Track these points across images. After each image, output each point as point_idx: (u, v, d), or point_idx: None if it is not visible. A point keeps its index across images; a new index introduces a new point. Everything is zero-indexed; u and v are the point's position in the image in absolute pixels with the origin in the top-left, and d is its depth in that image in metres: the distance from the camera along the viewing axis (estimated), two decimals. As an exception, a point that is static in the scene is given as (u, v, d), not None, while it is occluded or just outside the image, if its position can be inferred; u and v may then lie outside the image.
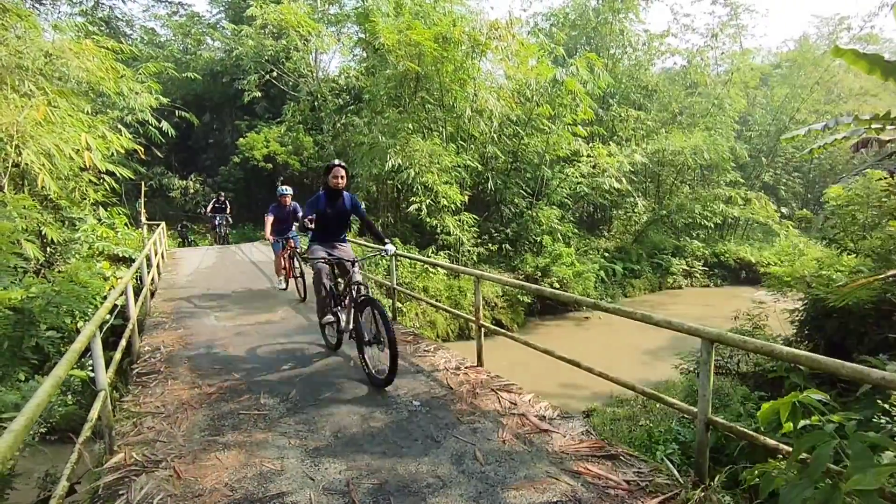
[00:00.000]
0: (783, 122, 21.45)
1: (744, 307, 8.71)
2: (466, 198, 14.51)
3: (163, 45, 23.16)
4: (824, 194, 8.22)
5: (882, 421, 3.56)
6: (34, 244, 9.23)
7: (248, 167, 19.64)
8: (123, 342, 4.47)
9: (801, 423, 2.15)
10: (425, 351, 5.24)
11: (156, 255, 9.94)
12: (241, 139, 19.85)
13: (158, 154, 18.09)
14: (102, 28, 19.50)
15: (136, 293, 7.29)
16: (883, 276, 5.07)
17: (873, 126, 7.44)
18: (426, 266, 13.10)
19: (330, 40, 19.11)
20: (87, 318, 4.11)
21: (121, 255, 10.95)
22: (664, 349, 11.12)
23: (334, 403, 3.99)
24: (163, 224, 14.05)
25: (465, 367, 4.67)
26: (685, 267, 19.54)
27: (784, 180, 24.50)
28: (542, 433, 3.40)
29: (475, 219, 14.87)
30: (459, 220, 14.16)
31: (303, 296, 7.97)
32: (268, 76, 19.10)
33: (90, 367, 4.41)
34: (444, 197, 13.44)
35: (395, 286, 6.93)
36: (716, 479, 2.70)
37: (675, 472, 2.83)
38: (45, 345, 3.90)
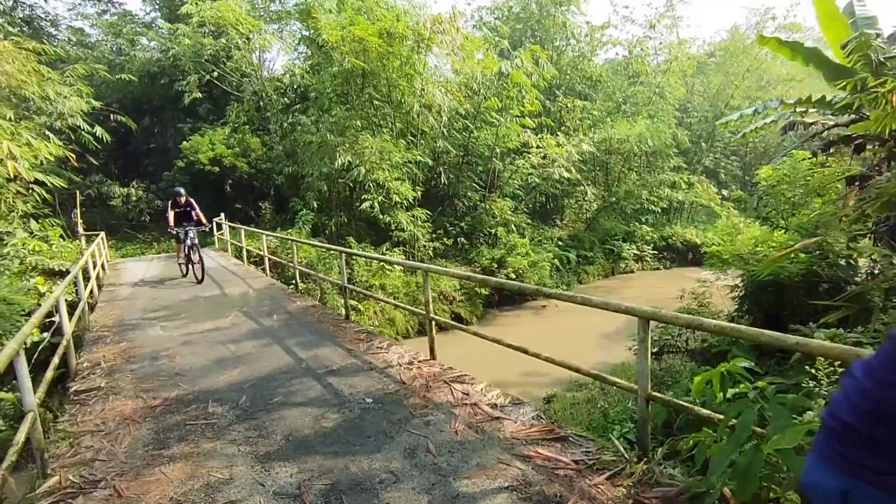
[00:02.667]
0: (719, 108, 22.42)
1: (690, 287, 9.08)
2: (419, 193, 14.48)
3: (93, 46, 21.98)
4: (756, 175, 8.65)
5: (810, 385, 3.80)
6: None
7: (193, 171, 18.90)
8: (56, 359, 4.23)
9: (731, 391, 2.26)
10: (378, 348, 5.21)
11: (94, 266, 9.45)
12: (184, 143, 19.06)
13: (94, 161, 17.18)
14: (24, 29, 18.33)
15: (73, 307, 6.93)
16: (806, 243, 5.38)
17: (798, 110, 7.91)
18: (382, 264, 13.01)
19: (272, 38, 18.57)
20: (12, 336, 3.85)
21: (56, 269, 10.36)
22: (620, 332, 11.44)
23: (286, 406, 3.92)
24: (102, 234, 13.38)
25: (419, 362, 4.68)
26: (636, 251, 20.19)
27: (723, 164, 25.64)
28: (494, 421, 3.44)
29: (429, 214, 14.87)
30: (413, 216, 14.13)
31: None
32: (209, 76, 18.40)
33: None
34: (396, 193, 13.37)
35: (345, 285, 6.84)
36: (658, 451, 2.81)
37: (621, 449, 2.92)
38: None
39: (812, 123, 8.45)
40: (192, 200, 10.36)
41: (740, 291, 7.46)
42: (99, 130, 14.64)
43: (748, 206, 12.60)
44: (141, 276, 11.50)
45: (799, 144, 9.45)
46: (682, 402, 2.62)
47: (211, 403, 4.05)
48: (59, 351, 4.52)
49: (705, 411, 2.48)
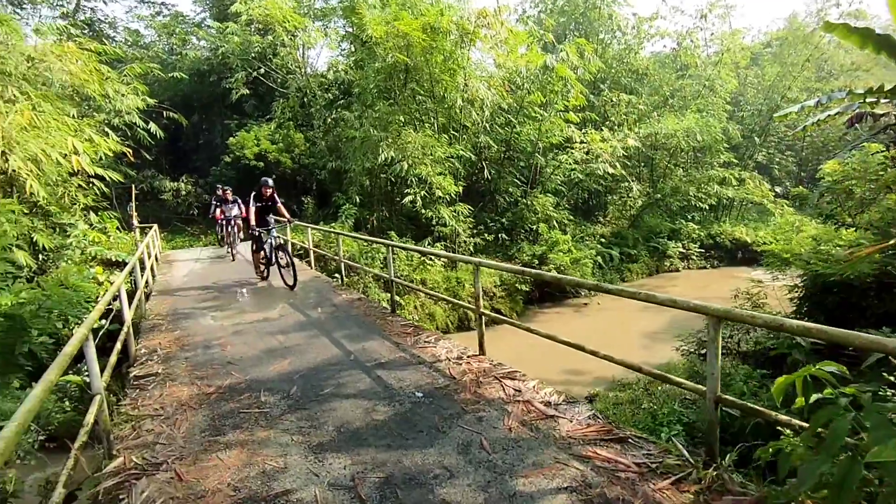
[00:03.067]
0: (775, 101, 21.39)
1: (742, 287, 8.70)
2: (461, 188, 14.42)
3: (147, 46, 22.92)
4: (819, 171, 8.19)
5: (888, 393, 3.54)
6: (25, 251, 9.16)
7: (239, 166, 19.44)
8: (118, 345, 4.40)
9: (814, 396, 2.10)
10: (426, 342, 5.19)
11: (149, 257, 9.82)
12: (231, 138, 19.64)
13: (147, 156, 17.87)
14: (85, 31, 19.22)
15: (131, 296, 7.21)
16: (884, 244, 5.03)
17: (867, 100, 7.41)
18: (423, 258, 13.03)
19: (317, 35, 18.89)
20: (80, 322, 4.02)
21: (114, 260, 10.83)
22: (663, 332, 11.12)
23: (336, 398, 3.93)
24: (155, 226, 13.91)
25: (468, 357, 4.62)
26: (681, 249, 19.55)
27: (777, 159, 24.51)
28: (549, 419, 3.35)
29: (470, 209, 14.80)
30: (455, 211, 14.08)
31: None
32: (255, 73, 18.88)
33: (86, 373, 4.34)
34: (438, 188, 13.35)
35: (392, 278, 6.85)
36: (727, 457, 2.66)
37: (685, 453, 2.79)
38: (39, 351, 3.81)
39: (883, 115, 7.92)
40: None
41: (800, 292, 7.09)
42: (153, 127, 15.21)
43: (809, 203, 11.97)
44: (190, 267, 11.90)
45: (868, 137, 8.88)
46: (757, 407, 2.45)
47: (263, 393, 4.11)
48: (121, 337, 4.69)
49: (784, 417, 2.32)
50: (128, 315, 5.10)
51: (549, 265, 14.97)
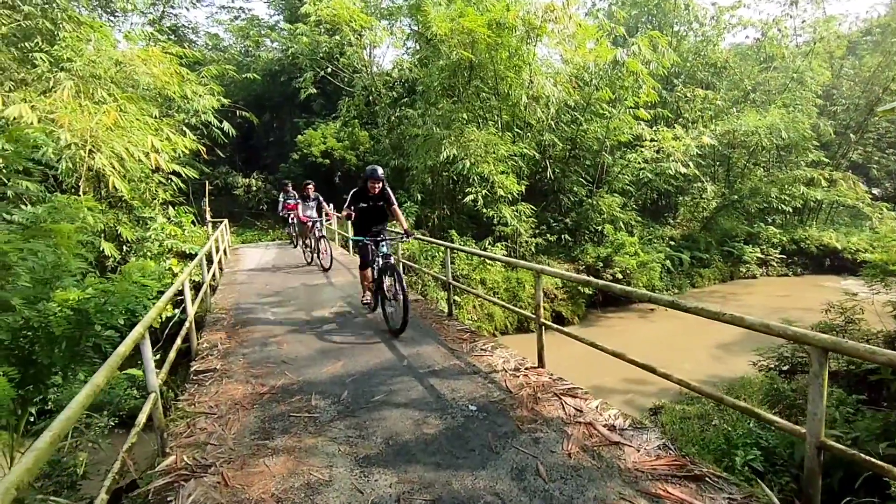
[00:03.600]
0: (875, 94, 19.39)
1: (831, 298, 7.89)
2: (523, 187, 14.08)
3: (224, 49, 24.07)
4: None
5: None
6: (110, 244, 9.79)
7: (306, 163, 20.02)
8: (179, 341, 4.49)
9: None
10: (482, 350, 4.97)
11: (217, 251, 10.21)
12: (299, 136, 20.26)
13: (221, 154, 18.75)
14: (170, 36, 20.45)
15: (198, 289, 7.48)
16: None
17: None
18: (485, 258, 12.83)
19: (383, 34, 19.08)
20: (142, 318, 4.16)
21: (188, 252, 11.38)
22: (737, 343, 10.34)
23: (387, 406, 3.80)
24: (225, 221, 14.52)
25: (525, 369, 4.36)
26: (759, 255, 18.20)
27: (876, 158, 22.28)
28: (613, 446, 3.05)
29: (533, 209, 14.42)
30: (517, 211, 13.76)
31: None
32: (323, 73, 19.36)
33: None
34: (500, 187, 13.09)
35: (450, 281, 6.68)
36: (829, 512, 2.27)
37: (777, 502, 2.41)
38: (104, 344, 3.95)
39: None
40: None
41: (905, 309, 6.29)
42: (226, 126, 15.89)
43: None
44: (257, 262, 12.30)
45: None
46: (875, 461, 2.04)
47: (314, 396, 4.05)
48: (182, 332, 4.80)
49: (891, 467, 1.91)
50: (190, 310, 5.23)
51: (615, 268, 14.34)
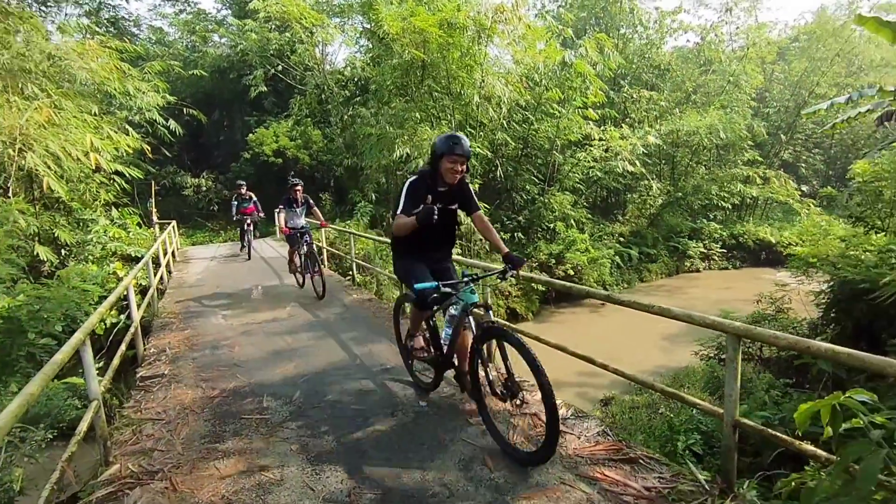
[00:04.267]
0: (802, 97, 20.75)
1: (765, 290, 8.41)
2: (477, 186, 14.25)
3: (169, 44, 23.15)
4: (849, 170, 7.85)
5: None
6: (46, 247, 9.30)
7: (258, 163, 19.60)
8: (124, 346, 4.37)
9: (843, 426, 1.93)
10: (434, 347, 5.07)
11: (165, 254, 9.90)
12: (250, 135, 19.81)
13: (168, 153, 18.10)
14: (109, 29, 19.54)
15: (145, 293, 7.25)
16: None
17: (899, 97, 7.06)
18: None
19: (334, 32, 18.86)
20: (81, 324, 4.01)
21: (133, 255, 10.96)
22: (683, 334, 10.83)
23: (339, 405, 3.84)
24: (174, 222, 14.06)
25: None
26: (703, 250, 19.15)
27: (804, 157, 23.80)
28: (556, 434, 3.20)
29: (486, 207, 14.62)
30: (470, 210, 13.93)
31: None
32: (274, 70, 18.97)
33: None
34: (453, 186, 13.21)
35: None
36: (745, 485, 2.49)
37: (700, 478, 2.62)
38: (38, 353, 3.80)
39: (918, 113, 7.53)
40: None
41: (827, 298, 6.79)
42: (173, 124, 15.35)
43: (838, 204, 11.54)
44: (207, 264, 11.99)
45: (900, 137, 8.49)
46: (780, 435, 2.27)
47: (266, 397, 4.04)
48: (127, 338, 4.67)
49: (810, 448, 2.14)
50: (136, 314, 5.09)
51: (567, 264, 14.75)
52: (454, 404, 3.74)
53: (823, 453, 2.08)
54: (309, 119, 20.03)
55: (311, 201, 8.22)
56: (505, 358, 3.02)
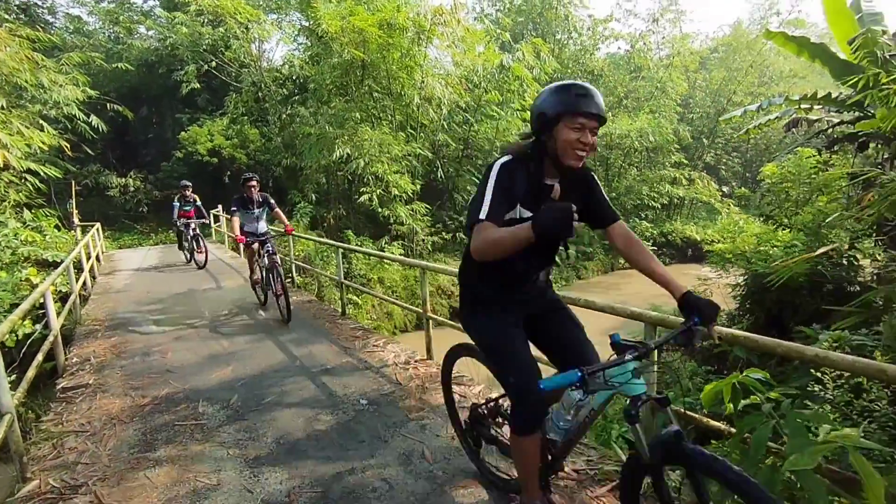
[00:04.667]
0: (721, 104, 22.26)
1: (689, 284, 8.97)
2: (418, 186, 14.34)
3: (89, 35, 21.71)
4: (760, 173, 8.53)
5: (816, 389, 3.70)
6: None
7: (192, 162, 18.76)
8: (41, 357, 4.11)
9: (742, 403, 2.15)
10: (374, 346, 5.10)
11: (88, 258, 9.33)
12: (182, 133, 18.92)
13: (91, 151, 17.02)
14: (20, 16, 18.09)
15: (65, 300, 6.82)
16: (816, 253, 5.27)
17: (802, 106, 7.78)
18: (381, 258, 12.92)
19: (271, 28, 18.36)
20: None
21: (51, 260, 10.22)
22: (619, 329, 11.35)
23: (278, 407, 3.80)
24: (98, 224, 13.25)
25: (415, 361, 4.56)
26: (635, 247, 20.10)
27: (724, 160, 25.51)
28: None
29: (428, 208, 14.75)
30: (412, 210, 14.00)
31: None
32: (207, 66, 18.21)
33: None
34: (395, 186, 13.24)
35: (342, 280, 6.72)
36: (662, 461, 2.69)
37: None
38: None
39: (816, 120, 8.31)
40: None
41: (742, 290, 7.35)
42: (95, 120, 14.46)
43: (751, 204, 12.50)
44: (137, 268, 11.39)
45: (803, 142, 9.31)
46: (691, 414, 2.50)
47: (201, 403, 3.94)
48: (45, 347, 4.40)
49: (715, 423, 2.37)
50: (55, 322, 4.79)
51: (507, 263, 15.09)
52: (394, 401, 3.79)
53: (726, 427, 2.30)
54: (245, 118, 19.39)
55: (272, 201, 6.96)
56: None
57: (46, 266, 10.12)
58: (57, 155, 14.12)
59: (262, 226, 6.87)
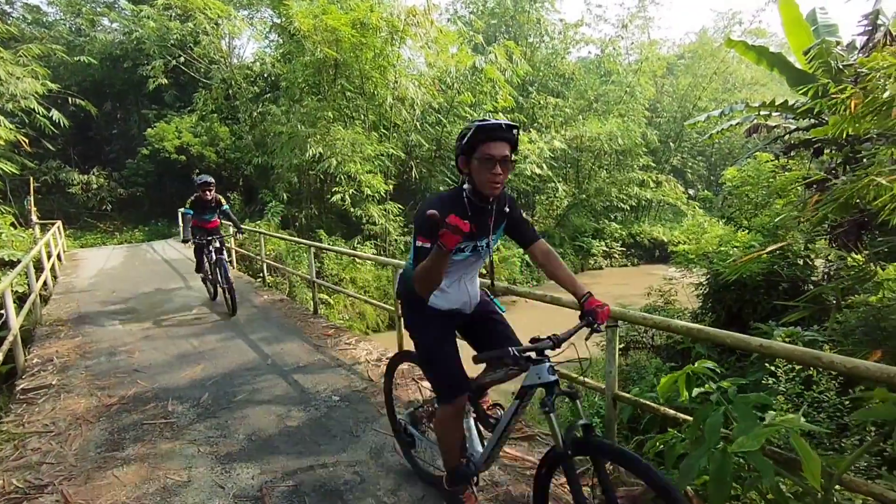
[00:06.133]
0: (687, 109, 22.88)
1: (656, 284, 9.25)
2: (391, 187, 14.34)
3: (50, 26, 20.96)
4: (722, 176, 8.85)
5: (770, 381, 3.91)
6: None
7: (158, 159, 18.31)
8: (0, 357, 4.02)
9: (695, 391, 2.28)
10: (346, 344, 5.13)
11: (49, 257, 9.05)
12: (149, 129, 18.44)
13: (51, 146, 16.46)
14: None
15: (24, 300, 6.62)
16: (763, 251, 5.53)
17: (761, 113, 8.13)
18: (353, 257, 12.88)
19: (242, 24, 18.05)
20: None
21: (7, 259, 9.87)
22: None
23: (250, 405, 3.81)
24: (59, 223, 12.83)
25: (387, 359, 4.59)
26: (605, 248, 20.52)
27: (690, 164, 26.23)
28: (463, 419, 3.41)
29: (401, 208, 14.76)
30: (384, 210, 14.00)
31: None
32: (175, 62, 17.77)
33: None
34: (367, 186, 13.21)
35: (314, 279, 6.71)
36: (623, 450, 2.82)
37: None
38: None
39: (775, 127, 8.69)
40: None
41: (704, 289, 7.62)
42: (56, 114, 14.00)
43: (714, 206, 12.94)
44: (101, 267, 11.09)
45: (762, 147, 9.71)
46: (649, 403, 2.63)
47: (171, 402, 3.90)
48: (4, 347, 4.28)
49: (671, 412, 2.50)
50: (14, 322, 4.67)
51: (479, 263, 15.23)
52: (366, 397, 3.84)
53: (683, 416, 2.43)
54: (215, 115, 19.02)
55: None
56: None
57: (3, 265, 9.77)
58: (13, 150, 13.62)
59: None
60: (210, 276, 7.06)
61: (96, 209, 18.83)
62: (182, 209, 6.61)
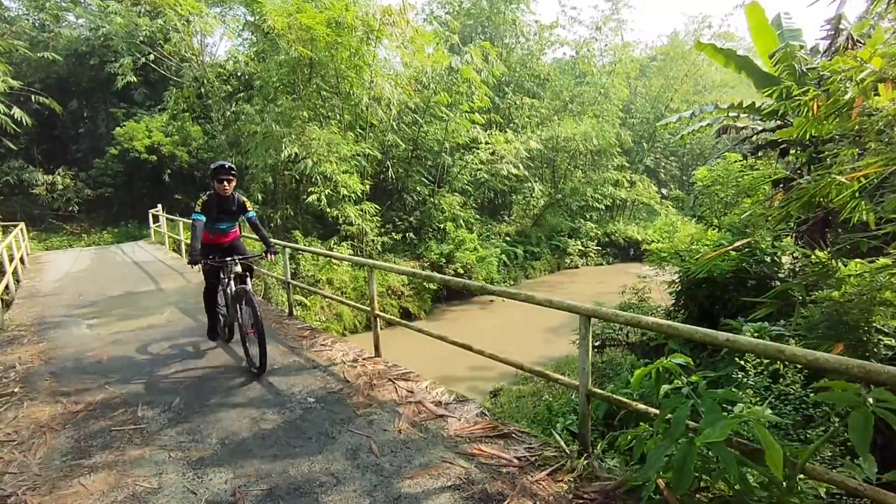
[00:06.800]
0: (660, 111, 23.33)
1: (630, 282, 9.39)
2: (368, 187, 14.26)
3: (11, 21, 20.24)
4: (693, 176, 9.05)
5: (739, 376, 4.02)
6: None
7: (128, 159, 17.84)
8: (-39, 363, 3.87)
9: (665, 386, 2.32)
10: (322, 345, 5.08)
11: (10, 260, 8.74)
12: (118, 128, 17.96)
13: (13, 145, 15.92)
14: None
15: (-14, 305, 6.39)
16: (727, 248, 5.68)
17: (730, 114, 8.34)
18: (329, 258, 12.76)
19: (214, 22, 17.69)
20: None
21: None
22: (565, 326, 11.71)
23: (223, 408, 3.74)
24: (21, 225, 12.41)
25: (363, 359, 4.59)
26: (581, 247, 20.77)
27: (663, 164, 26.75)
28: (438, 419, 3.42)
29: (377, 208, 14.69)
30: (361, 210, 13.90)
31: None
32: (144, 59, 17.33)
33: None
34: (344, 186, 13.10)
35: (289, 280, 6.64)
36: (598, 446, 2.87)
37: (563, 444, 2.96)
38: None
39: (743, 128, 8.92)
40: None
41: (676, 287, 7.77)
42: (17, 112, 13.55)
43: (686, 205, 13.21)
44: (67, 270, 10.76)
45: (731, 147, 9.96)
46: (621, 399, 2.68)
47: (141, 407, 3.81)
48: (-34, 353, 4.13)
49: (642, 406, 2.55)
50: (-24, 328, 4.50)
51: (457, 263, 15.26)
52: (341, 398, 3.81)
53: (654, 410, 2.48)
54: (187, 114, 18.63)
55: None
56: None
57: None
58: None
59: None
60: (227, 314, 5.04)
61: (62, 210, 18.25)
62: (193, 214, 4.65)
